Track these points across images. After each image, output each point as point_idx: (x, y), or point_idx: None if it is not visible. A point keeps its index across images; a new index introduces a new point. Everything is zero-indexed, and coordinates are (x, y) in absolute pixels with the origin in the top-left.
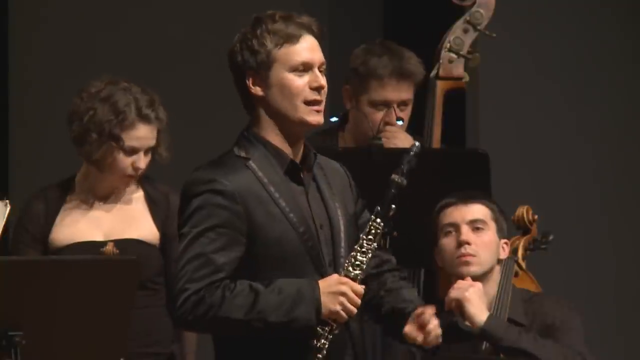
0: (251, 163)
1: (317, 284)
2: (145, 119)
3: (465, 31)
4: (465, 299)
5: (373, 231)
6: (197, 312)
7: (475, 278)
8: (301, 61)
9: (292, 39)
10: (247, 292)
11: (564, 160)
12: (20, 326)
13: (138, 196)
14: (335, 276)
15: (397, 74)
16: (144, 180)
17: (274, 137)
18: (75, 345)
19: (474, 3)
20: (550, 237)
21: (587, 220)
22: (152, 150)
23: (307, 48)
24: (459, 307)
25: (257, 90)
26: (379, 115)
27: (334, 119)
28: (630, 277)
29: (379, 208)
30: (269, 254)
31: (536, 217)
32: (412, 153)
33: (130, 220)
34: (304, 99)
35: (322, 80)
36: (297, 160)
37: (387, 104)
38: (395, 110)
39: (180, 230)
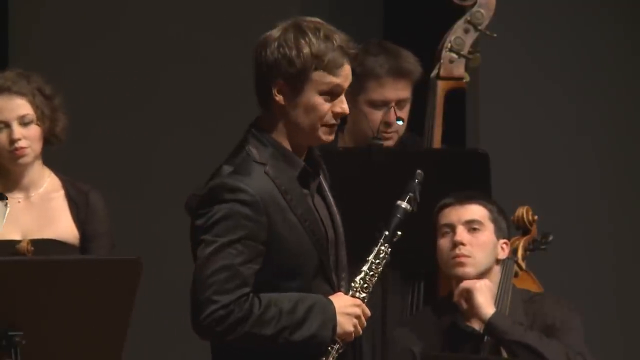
0: (268, 169)
1: (332, 302)
2: (0, 90)
3: (466, 31)
4: (477, 289)
5: (381, 255)
6: (225, 324)
7: (471, 279)
8: (334, 89)
9: (333, 68)
10: (273, 309)
11: (564, 160)
12: (20, 326)
13: (58, 195)
14: (349, 297)
15: (394, 72)
16: (64, 179)
17: (285, 140)
18: (75, 345)
19: (474, 3)
20: (550, 238)
21: (587, 221)
22: (40, 124)
23: (344, 76)
24: (469, 297)
25: (281, 99)
26: (378, 115)
27: None
28: (631, 277)
29: (386, 233)
30: (286, 263)
31: (536, 217)
32: (416, 182)
33: (49, 219)
34: (324, 123)
35: (347, 109)
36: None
37: (385, 103)
38: (395, 110)
39: (201, 235)
